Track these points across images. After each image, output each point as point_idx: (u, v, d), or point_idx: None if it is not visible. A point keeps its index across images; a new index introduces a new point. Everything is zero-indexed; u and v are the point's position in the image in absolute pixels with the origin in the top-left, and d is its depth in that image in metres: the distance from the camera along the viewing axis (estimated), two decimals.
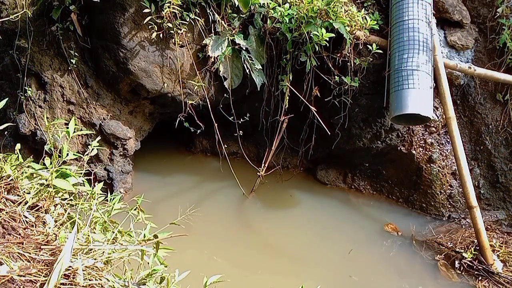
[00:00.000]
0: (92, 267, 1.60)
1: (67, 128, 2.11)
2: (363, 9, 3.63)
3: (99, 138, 2.60)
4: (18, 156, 2.18)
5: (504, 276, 3.07)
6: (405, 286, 3.13)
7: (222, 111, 4.10)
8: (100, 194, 2.16)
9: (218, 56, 3.71)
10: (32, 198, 1.92)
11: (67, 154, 2.06)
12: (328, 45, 3.58)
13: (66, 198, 2.10)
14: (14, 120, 3.71)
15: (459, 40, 3.84)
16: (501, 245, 3.40)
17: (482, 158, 3.96)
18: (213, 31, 3.69)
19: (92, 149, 2.29)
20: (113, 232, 1.95)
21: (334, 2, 3.41)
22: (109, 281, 1.60)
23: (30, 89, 3.68)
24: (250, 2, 3.58)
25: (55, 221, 1.87)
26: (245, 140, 4.85)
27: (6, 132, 3.78)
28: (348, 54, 3.66)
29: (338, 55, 3.70)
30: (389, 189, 4.29)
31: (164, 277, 1.79)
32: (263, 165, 4.12)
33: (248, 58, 3.82)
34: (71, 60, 3.63)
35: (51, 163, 2.04)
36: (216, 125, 3.91)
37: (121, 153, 3.95)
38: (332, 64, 3.76)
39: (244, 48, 3.78)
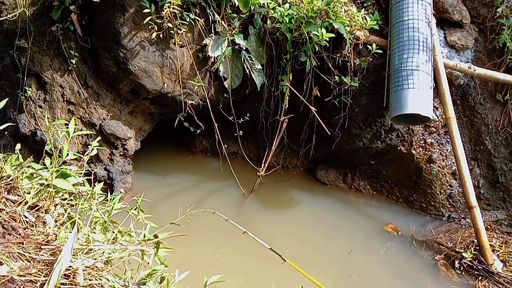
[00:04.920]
0: (92, 267, 1.60)
1: (67, 128, 2.11)
2: (363, 9, 3.63)
3: (99, 138, 2.60)
4: (18, 156, 2.18)
5: (504, 276, 3.07)
6: (405, 286, 3.12)
7: (222, 111, 4.10)
8: (100, 194, 2.16)
9: (218, 56, 3.71)
10: (32, 198, 1.92)
11: (67, 154, 2.06)
12: (328, 45, 3.58)
13: (66, 198, 2.10)
14: (14, 120, 3.71)
15: (459, 40, 3.84)
16: (501, 245, 3.41)
17: (482, 158, 3.96)
18: (213, 31, 3.70)
19: (92, 149, 2.29)
20: (113, 232, 1.95)
21: (334, 2, 3.41)
22: (109, 281, 1.60)
23: (30, 89, 3.68)
24: (250, 2, 3.58)
25: (55, 221, 1.87)
26: (245, 140, 4.85)
27: (6, 132, 3.78)
28: (348, 54, 3.66)
29: (338, 55, 3.70)
30: (389, 189, 4.29)
31: (164, 277, 1.79)
32: (263, 165, 4.12)
33: (248, 58, 3.82)
34: (71, 60, 3.63)
35: (51, 163, 2.04)
36: (216, 125, 3.91)
37: (121, 153, 3.96)
38: (332, 64, 3.77)
39: (244, 48, 3.79)
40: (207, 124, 4.04)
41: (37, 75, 3.70)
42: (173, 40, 3.56)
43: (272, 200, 4.25)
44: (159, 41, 3.55)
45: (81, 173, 2.22)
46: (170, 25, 3.42)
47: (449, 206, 3.94)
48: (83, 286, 1.49)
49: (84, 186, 2.18)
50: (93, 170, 3.72)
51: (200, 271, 1.96)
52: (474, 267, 3.16)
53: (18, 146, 2.26)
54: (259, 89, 3.99)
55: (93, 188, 2.17)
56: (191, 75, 3.80)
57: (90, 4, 3.38)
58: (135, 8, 3.38)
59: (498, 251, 3.33)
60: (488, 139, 3.91)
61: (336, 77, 3.76)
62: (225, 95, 3.98)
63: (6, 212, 1.76)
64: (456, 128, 3.43)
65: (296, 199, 4.29)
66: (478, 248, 3.25)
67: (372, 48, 3.56)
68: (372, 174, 4.36)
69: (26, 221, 1.79)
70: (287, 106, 3.99)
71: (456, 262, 3.26)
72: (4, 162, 2.08)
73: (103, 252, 1.69)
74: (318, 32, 3.42)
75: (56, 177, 1.99)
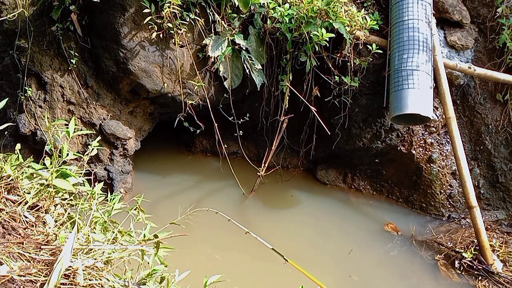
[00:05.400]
0: (92, 267, 1.60)
1: (67, 128, 2.11)
2: (363, 9, 3.63)
3: (99, 138, 2.60)
4: (18, 156, 2.18)
5: (504, 276, 3.07)
6: (405, 286, 3.13)
7: (222, 111, 4.10)
8: (100, 194, 2.16)
9: (218, 56, 3.71)
10: (32, 198, 1.92)
11: (67, 154, 2.06)
12: (328, 45, 3.58)
13: (66, 198, 2.10)
14: (14, 120, 3.71)
15: (459, 40, 3.84)
16: (501, 245, 3.41)
17: (482, 158, 3.96)
18: (213, 31, 3.70)
19: (92, 149, 2.29)
20: (113, 232, 1.95)
21: (334, 2, 3.41)
22: (109, 281, 1.60)
23: (30, 89, 3.68)
24: (250, 2, 3.58)
25: (55, 221, 1.87)
26: (245, 140, 4.85)
27: (6, 132, 3.78)
28: (348, 54, 3.66)
29: (338, 55, 3.70)
30: (389, 189, 4.29)
31: (164, 277, 1.79)
32: (263, 165, 4.12)
33: (248, 58, 3.82)
34: (71, 60, 3.63)
35: (51, 163, 2.04)
36: (216, 125, 3.91)
37: (121, 153, 3.96)
38: (332, 64, 3.77)
39: (244, 48, 3.79)
40: (207, 124, 4.04)
41: (37, 75, 3.70)
42: (173, 40, 3.56)
43: (272, 200, 4.25)
44: (159, 41, 3.55)
45: (81, 173, 2.22)
46: (170, 25, 3.42)
47: (449, 206, 3.94)
48: (83, 286, 1.49)
49: (84, 186, 2.18)
50: (93, 170, 3.72)
51: (200, 271, 1.96)
52: (474, 267, 3.16)
53: (18, 146, 2.26)
54: (259, 89, 3.99)
55: (93, 188, 2.17)
56: (191, 75, 3.80)
57: (90, 4, 3.38)
58: (135, 8, 3.38)
59: (498, 251, 3.33)
60: (488, 139, 3.91)
61: (336, 77, 3.76)
62: (225, 95, 3.98)
63: (6, 212, 1.76)
64: (456, 128, 3.43)
65: (296, 199, 4.29)
66: (478, 248, 3.25)
67: (372, 48, 3.56)
68: (372, 174, 4.36)
69: (26, 221, 1.79)
70: (287, 106, 3.99)
71: (456, 262, 3.26)
72: (4, 162, 2.08)
73: (103, 252, 1.69)
74: (318, 32, 3.42)
75: (56, 177, 1.99)
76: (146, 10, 3.30)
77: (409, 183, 4.12)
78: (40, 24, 3.68)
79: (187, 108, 3.88)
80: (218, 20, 3.65)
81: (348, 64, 3.69)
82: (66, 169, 2.05)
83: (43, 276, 1.45)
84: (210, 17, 3.64)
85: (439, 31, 3.84)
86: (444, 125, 3.91)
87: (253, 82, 3.92)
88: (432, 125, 3.90)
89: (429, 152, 3.91)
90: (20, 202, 1.87)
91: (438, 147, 3.93)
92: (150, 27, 3.43)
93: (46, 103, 3.71)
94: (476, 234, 3.27)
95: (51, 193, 2.00)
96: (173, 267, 1.88)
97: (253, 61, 3.84)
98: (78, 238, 1.75)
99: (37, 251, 1.59)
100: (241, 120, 4.05)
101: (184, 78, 3.77)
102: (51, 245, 1.63)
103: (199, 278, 1.85)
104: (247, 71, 3.84)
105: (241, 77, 3.94)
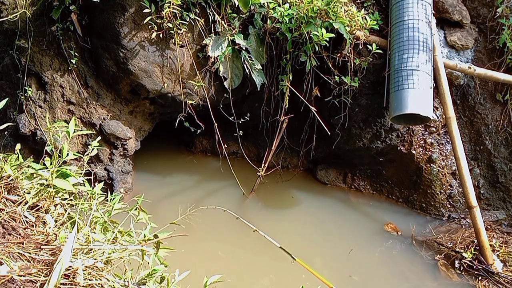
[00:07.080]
0: (92, 267, 1.60)
1: (67, 128, 2.11)
2: (363, 9, 3.63)
3: (99, 138, 2.59)
4: (18, 156, 2.18)
5: (504, 276, 3.07)
6: (405, 286, 3.13)
7: (222, 111, 4.10)
8: (100, 194, 2.16)
9: (218, 56, 3.71)
10: (32, 198, 1.92)
11: (67, 154, 2.06)
12: (328, 45, 3.58)
13: (66, 198, 2.10)
14: (14, 120, 3.71)
15: (459, 40, 3.84)
16: (501, 245, 3.41)
17: (482, 158, 3.96)
18: (213, 31, 3.70)
19: (92, 149, 2.29)
20: (113, 232, 1.95)
21: (334, 2, 3.41)
22: (109, 281, 1.60)
23: (30, 89, 3.68)
24: (250, 2, 3.58)
25: (55, 221, 1.88)
26: (245, 140, 4.85)
27: (6, 132, 3.78)
28: (348, 54, 3.66)
29: (338, 55, 3.70)
30: (389, 189, 4.29)
31: (164, 277, 1.79)
32: (263, 165, 4.12)
33: (248, 58, 3.82)
34: (71, 60, 3.63)
35: (51, 163, 2.04)
36: (216, 125, 3.91)
37: (121, 153, 3.96)
38: (332, 64, 3.77)
39: (244, 48, 3.79)
40: (207, 124, 4.04)
41: (37, 75, 3.70)
42: (173, 40, 3.56)
43: (272, 200, 4.25)
44: (159, 41, 3.55)
45: (81, 173, 2.22)
46: (170, 25, 3.42)
47: (449, 206, 3.94)
48: (83, 286, 1.49)
49: (84, 186, 2.18)
50: (93, 170, 3.72)
51: (200, 271, 1.97)
52: (474, 267, 3.16)
53: (18, 146, 2.26)
54: (259, 89, 3.99)
55: (93, 188, 2.17)
56: (191, 75, 3.80)
57: (90, 4, 3.37)
58: (135, 8, 3.38)
59: (498, 251, 3.33)
60: (488, 139, 3.91)
61: (336, 77, 3.76)
62: (225, 95, 3.98)
63: (6, 212, 1.76)
64: (456, 128, 3.43)
65: (296, 199, 4.29)
66: (478, 248, 3.25)
67: (372, 48, 3.56)
68: (372, 174, 4.36)
69: (26, 221, 1.79)
70: (287, 106, 3.99)
71: (456, 262, 3.26)
72: (4, 162, 2.08)
73: (103, 252, 1.69)
74: (318, 32, 3.41)
75: (56, 177, 1.99)
76: (146, 10, 3.30)
77: (409, 183, 4.12)
78: (40, 24, 3.68)
79: (187, 108, 3.88)
80: (218, 20, 3.65)
81: (348, 64, 3.69)
82: (66, 169, 2.05)
83: (43, 276, 1.45)
84: (210, 17, 3.64)
85: (439, 31, 3.84)
86: (444, 125, 3.91)
87: (253, 82, 3.92)
88: (432, 125, 3.90)
89: (429, 152, 3.91)
90: (20, 202, 1.87)
91: (438, 147, 3.93)
92: (150, 27, 3.43)
93: (46, 103, 3.71)
94: (476, 234, 3.27)
95: (51, 193, 2.01)
96: (173, 267, 1.88)
97: (253, 61, 3.84)
98: (78, 238, 1.75)
99: (37, 251, 1.59)
100: (241, 120, 4.05)
101: (184, 78, 3.76)
102: (51, 245, 1.63)
103: (199, 278, 1.85)
104: (247, 71, 3.84)
105: (241, 77, 3.94)
